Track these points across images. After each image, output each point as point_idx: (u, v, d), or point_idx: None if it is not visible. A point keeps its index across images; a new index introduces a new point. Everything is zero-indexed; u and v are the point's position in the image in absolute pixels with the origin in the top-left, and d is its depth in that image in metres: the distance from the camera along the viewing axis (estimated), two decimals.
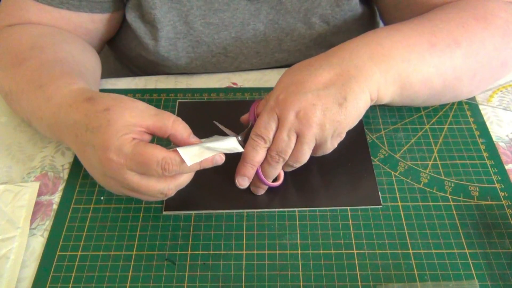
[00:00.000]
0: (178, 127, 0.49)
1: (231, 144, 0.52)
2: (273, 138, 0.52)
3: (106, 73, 0.72)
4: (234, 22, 0.69)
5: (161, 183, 0.49)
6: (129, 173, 0.47)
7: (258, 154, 0.52)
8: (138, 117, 0.48)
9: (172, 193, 0.51)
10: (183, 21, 0.67)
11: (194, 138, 0.50)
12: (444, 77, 0.56)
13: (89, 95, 0.51)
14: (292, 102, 0.50)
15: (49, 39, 0.63)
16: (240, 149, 0.52)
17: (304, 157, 0.53)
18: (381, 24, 0.82)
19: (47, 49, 0.61)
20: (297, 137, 0.51)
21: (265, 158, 0.53)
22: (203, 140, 0.51)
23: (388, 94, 0.54)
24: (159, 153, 0.46)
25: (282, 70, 0.72)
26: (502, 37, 0.58)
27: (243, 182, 0.54)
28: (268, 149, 0.53)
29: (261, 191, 0.56)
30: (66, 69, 0.58)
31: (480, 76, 0.59)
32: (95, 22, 0.68)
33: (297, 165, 0.54)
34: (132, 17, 0.68)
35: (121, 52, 0.79)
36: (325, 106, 0.50)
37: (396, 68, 0.53)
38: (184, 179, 0.50)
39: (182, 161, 0.47)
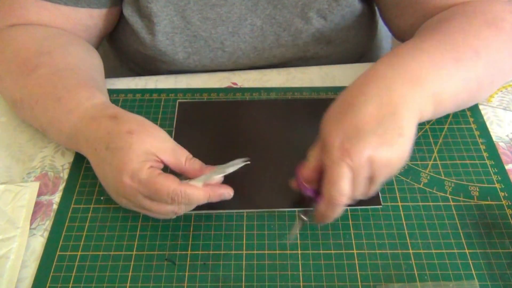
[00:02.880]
0: (191, 166, 0.52)
1: (238, 162, 0.53)
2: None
3: (106, 71, 0.72)
4: (231, 17, 0.69)
5: (173, 205, 0.50)
6: (141, 197, 0.50)
7: (336, 213, 0.50)
8: (157, 148, 0.50)
9: (183, 211, 0.52)
10: (180, 15, 0.68)
11: (206, 169, 0.52)
12: (469, 90, 0.57)
13: (113, 112, 0.54)
14: (361, 149, 0.47)
15: (54, 43, 0.64)
16: (241, 164, 0.52)
17: (371, 193, 0.51)
18: (380, 21, 0.82)
19: (56, 54, 0.62)
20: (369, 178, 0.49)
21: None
22: (215, 167, 0.53)
23: (427, 115, 0.53)
24: (171, 184, 0.49)
25: (282, 71, 0.73)
26: None
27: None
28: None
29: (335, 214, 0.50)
30: (81, 80, 0.60)
31: (496, 81, 0.60)
32: (94, 18, 0.68)
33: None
34: (129, 12, 0.68)
35: (119, 49, 0.80)
36: (389, 143, 0.48)
37: (428, 89, 0.52)
38: (196, 199, 0.51)
39: (191, 196, 0.49)
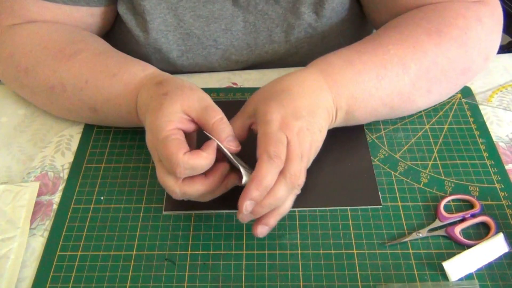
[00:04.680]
0: (217, 128, 0.50)
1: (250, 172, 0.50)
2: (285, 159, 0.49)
3: None
4: (224, 14, 0.69)
5: (171, 180, 0.50)
6: (157, 158, 0.51)
7: (273, 177, 0.48)
8: (187, 106, 0.51)
9: (177, 194, 0.50)
10: (173, 13, 0.68)
11: (228, 144, 0.51)
12: (390, 105, 0.58)
13: (160, 79, 0.55)
14: (296, 125, 0.51)
15: (82, 33, 0.66)
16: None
17: (304, 178, 0.51)
18: None
19: (90, 41, 0.64)
20: None
21: (278, 182, 0.48)
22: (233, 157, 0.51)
23: (338, 121, 0.57)
24: (177, 153, 0.48)
25: (282, 71, 0.73)
26: (458, 48, 0.58)
27: (251, 207, 0.48)
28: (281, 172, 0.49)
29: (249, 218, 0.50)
30: (128, 57, 0.62)
31: (436, 90, 0.60)
32: (94, 16, 0.69)
33: (299, 191, 0.52)
34: (123, 9, 0.69)
35: (117, 48, 0.80)
36: (312, 131, 0.52)
37: (345, 104, 0.55)
38: (191, 192, 0.50)
39: (194, 167, 0.48)
